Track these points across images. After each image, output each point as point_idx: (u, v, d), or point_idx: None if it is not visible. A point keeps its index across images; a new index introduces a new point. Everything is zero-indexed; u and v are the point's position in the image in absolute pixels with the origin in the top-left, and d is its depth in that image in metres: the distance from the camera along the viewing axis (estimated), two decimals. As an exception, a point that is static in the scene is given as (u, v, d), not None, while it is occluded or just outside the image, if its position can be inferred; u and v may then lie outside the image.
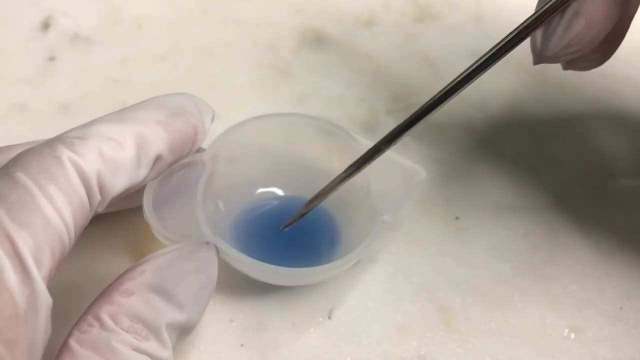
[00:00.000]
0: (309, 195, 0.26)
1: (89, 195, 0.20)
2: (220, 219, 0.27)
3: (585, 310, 0.27)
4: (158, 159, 0.23)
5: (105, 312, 0.20)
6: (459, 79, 0.22)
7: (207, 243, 0.23)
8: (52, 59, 0.35)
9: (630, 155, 0.32)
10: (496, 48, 0.22)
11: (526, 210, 0.30)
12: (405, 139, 0.32)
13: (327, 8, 0.38)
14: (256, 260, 0.23)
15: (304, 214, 0.26)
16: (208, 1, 0.38)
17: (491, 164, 0.31)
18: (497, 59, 0.22)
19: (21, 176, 0.19)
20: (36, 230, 0.18)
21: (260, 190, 0.28)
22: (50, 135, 0.21)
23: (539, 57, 0.23)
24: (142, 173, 0.22)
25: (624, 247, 0.29)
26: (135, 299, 0.20)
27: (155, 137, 0.22)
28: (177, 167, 0.24)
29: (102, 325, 0.19)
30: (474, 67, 0.22)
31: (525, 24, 0.22)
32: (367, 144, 0.26)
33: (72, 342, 0.19)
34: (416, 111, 0.23)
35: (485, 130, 0.33)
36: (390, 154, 0.26)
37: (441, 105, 0.22)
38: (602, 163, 0.32)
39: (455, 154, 0.32)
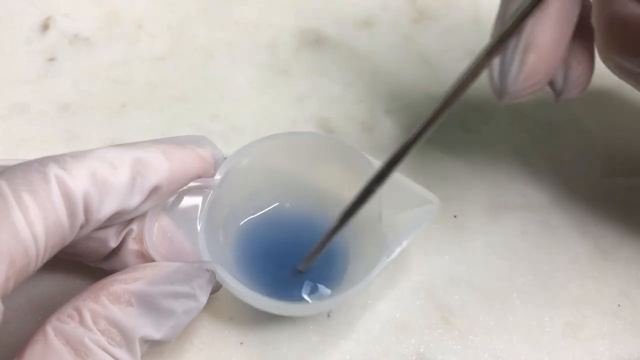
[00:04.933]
0: (317, 217, 0.26)
1: (71, 214, 0.20)
2: (225, 242, 0.26)
3: (583, 308, 0.27)
4: (157, 188, 0.22)
5: (87, 309, 0.20)
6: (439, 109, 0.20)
7: (208, 270, 0.23)
8: (52, 59, 0.35)
9: (628, 154, 0.32)
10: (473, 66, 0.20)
11: (524, 209, 0.30)
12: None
13: (326, 9, 0.38)
14: (254, 292, 0.23)
15: (318, 252, 0.24)
16: (207, 2, 0.38)
17: (489, 162, 0.32)
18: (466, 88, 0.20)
19: (2, 184, 0.19)
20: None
21: (268, 211, 0.28)
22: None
23: (501, 95, 0.22)
24: (135, 200, 0.22)
25: (622, 246, 0.29)
26: (118, 305, 0.20)
27: (157, 164, 0.22)
28: (184, 191, 0.24)
29: (81, 320, 0.20)
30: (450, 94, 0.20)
31: (486, 50, 0.20)
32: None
33: (49, 329, 0.20)
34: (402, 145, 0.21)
35: (483, 129, 0.33)
36: (405, 180, 0.26)
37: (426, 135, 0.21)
38: (600, 162, 0.32)
39: (454, 152, 0.32)
